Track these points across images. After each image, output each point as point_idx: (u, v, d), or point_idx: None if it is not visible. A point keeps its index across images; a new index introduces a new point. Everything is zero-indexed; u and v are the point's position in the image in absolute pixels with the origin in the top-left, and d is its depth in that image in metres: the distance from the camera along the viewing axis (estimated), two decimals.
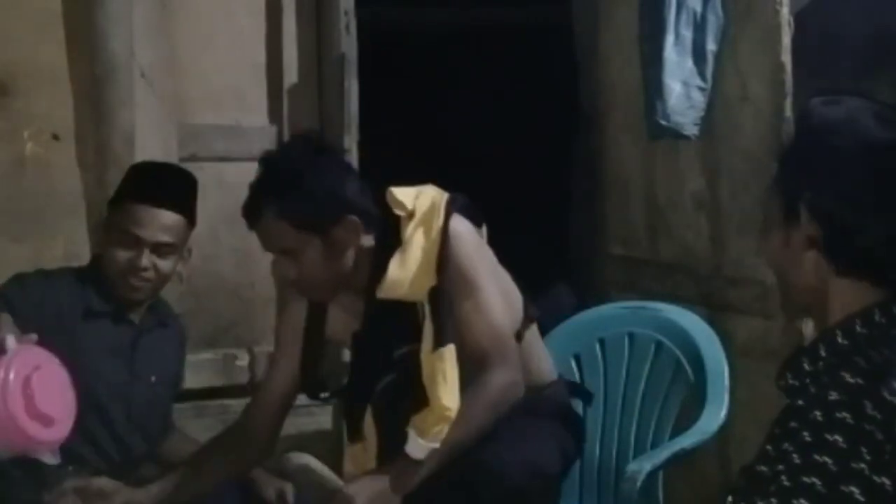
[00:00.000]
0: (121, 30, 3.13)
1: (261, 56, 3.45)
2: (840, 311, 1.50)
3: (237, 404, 3.38)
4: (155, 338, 2.64)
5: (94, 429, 2.52)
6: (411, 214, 2.31)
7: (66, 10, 3.13)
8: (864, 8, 3.89)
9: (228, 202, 3.41)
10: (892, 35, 3.81)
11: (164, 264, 2.53)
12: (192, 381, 3.32)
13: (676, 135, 3.41)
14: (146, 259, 2.50)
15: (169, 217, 2.54)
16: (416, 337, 2.24)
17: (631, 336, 2.89)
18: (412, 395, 2.20)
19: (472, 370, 2.23)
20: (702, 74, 3.38)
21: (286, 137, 3.44)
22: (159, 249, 2.51)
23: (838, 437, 1.37)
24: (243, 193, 3.42)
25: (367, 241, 2.32)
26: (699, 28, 3.37)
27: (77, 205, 3.11)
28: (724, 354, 3.05)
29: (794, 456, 1.40)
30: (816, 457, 1.38)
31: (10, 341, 2.02)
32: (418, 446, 2.18)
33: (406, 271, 2.26)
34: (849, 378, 1.41)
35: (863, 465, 1.36)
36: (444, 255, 2.26)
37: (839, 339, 1.48)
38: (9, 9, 3.08)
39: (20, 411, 1.96)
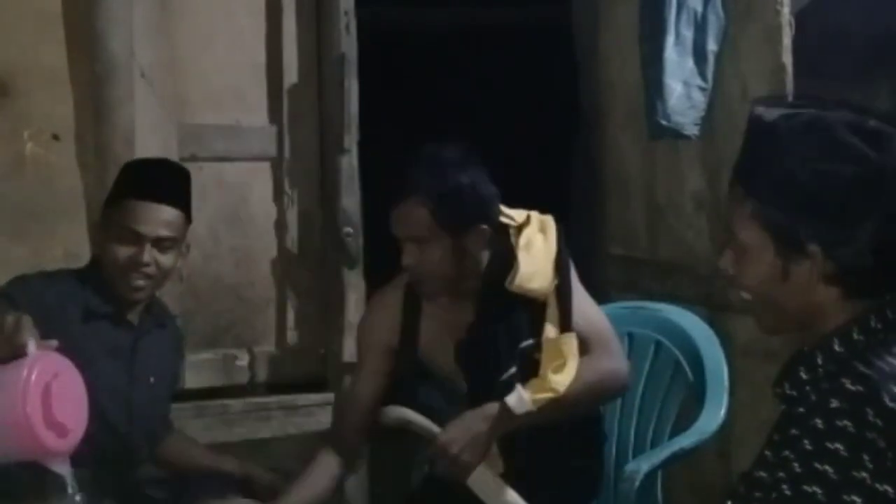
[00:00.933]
0: (121, 30, 3.13)
1: (261, 56, 3.45)
2: (831, 325, 1.50)
3: (237, 404, 3.40)
4: (153, 339, 2.64)
5: (95, 430, 2.52)
6: (521, 226, 2.50)
7: (66, 10, 3.13)
8: (864, 8, 3.89)
9: (228, 202, 3.42)
10: (892, 35, 3.81)
11: (165, 259, 2.53)
12: (192, 381, 3.33)
13: (677, 135, 3.41)
14: (148, 254, 2.49)
15: (168, 212, 2.53)
16: (537, 332, 2.41)
17: (630, 336, 2.89)
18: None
19: (588, 353, 2.43)
20: (702, 74, 3.38)
21: (286, 137, 3.45)
22: (160, 244, 2.51)
23: (839, 446, 1.37)
24: (243, 193, 3.46)
25: (486, 252, 2.47)
26: (699, 28, 3.37)
27: (77, 205, 3.11)
28: (723, 354, 3.05)
29: (795, 464, 1.40)
30: (817, 465, 1.38)
31: (31, 346, 2.01)
32: (521, 401, 2.33)
33: (536, 266, 2.43)
34: (849, 385, 1.40)
35: (864, 474, 1.35)
36: (561, 258, 2.47)
37: (836, 347, 1.48)
38: (9, 9, 3.08)
39: (38, 418, 1.94)
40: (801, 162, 1.48)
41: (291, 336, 3.49)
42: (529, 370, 2.37)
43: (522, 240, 2.47)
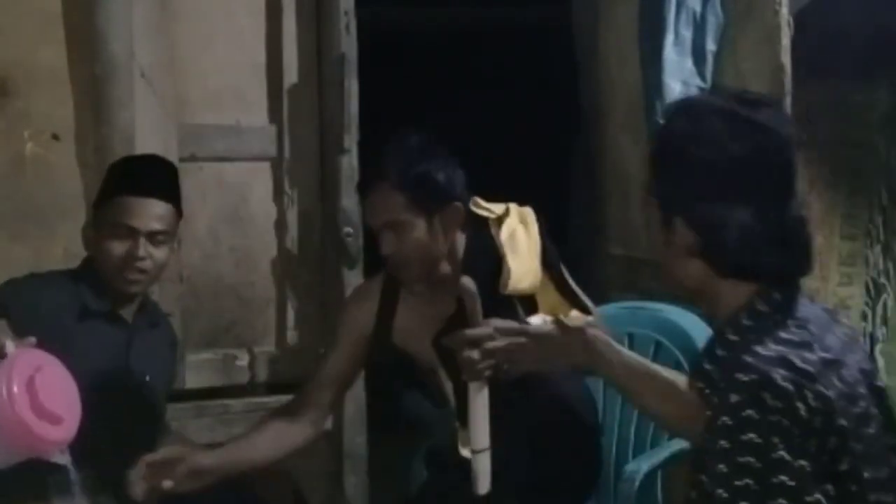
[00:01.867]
0: (121, 30, 3.13)
1: (261, 56, 3.45)
2: (726, 305, 1.62)
3: (237, 404, 3.40)
4: (147, 337, 2.65)
5: (93, 427, 2.52)
6: (500, 218, 2.50)
7: (66, 10, 3.13)
8: (864, 8, 3.88)
9: (228, 202, 3.42)
10: (892, 35, 3.81)
11: (159, 253, 2.55)
12: (192, 381, 3.33)
13: None
14: (143, 248, 2.52)
15: (160, 206, 2.56)
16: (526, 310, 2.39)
17: (630, 336, 2.89)
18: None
19: None
20: (701, 74, 3.38)
21: (286, 137, 3.45)
22: (153, 238, 2.54)
23: (752, 435, 1.44)
24: (243, 193, 3.45)
25: (460, 236, 2.50)
26: (699, 28, 3.37)
27: (77, 205, 3.11)
28: None
29: (721, 465, 1.46)
30: (740, 459, 1.44)
31: (10, 346, 2.02)
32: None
33: (525, 265, 2.44)
34: (742, 377, 1.48)
35: (782, 453, 1.43)
36: (547, 250, 2.49)
37: (730, 336, 1.58)
38: (9, 9, 3.08)
39: (27, 412, 1.95)
40: (669, 142, 1.70)
41: (291, 336, 3.49)
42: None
43: (504, 232, 2.47)
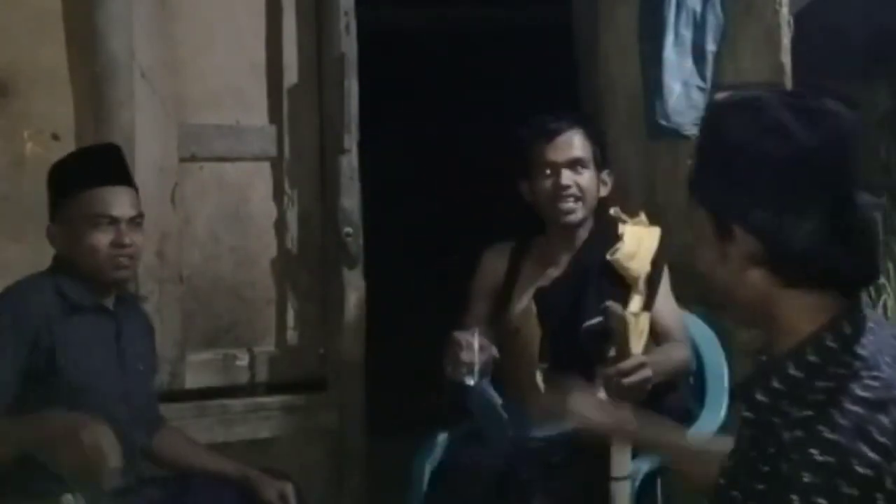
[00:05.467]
0: (121, 30, 3.13)
1: (261, 56, 3.44)
2: (789, 324, 1.46)
3: (237, 404, 3.39)
4: (132, 325, 2.67)
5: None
6: (630, 222, 2.98)
7: (66, 10, 3.13)
8: (864, 8, 3.89)
9: (228, 202, 3.42)
10: (891, 35, 3.81)
11: (139, 238, 2.61)
12: (192, 381, 3.33)
13: (676, 135, 3.40)
14: (127, 236, 2.55)
15: (130, 192, 2.61)
16: (622, 303, 2.76)
17: None
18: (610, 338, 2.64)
19: (670, 340, 2.87)
20: (701, 74, 3.37)
21: (286, 137, 3.44)
22: (132, 223, 2.58)
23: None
24: (243, 193, 3.45)
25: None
26: (699, 28, 3.36)
27: None
28: (724, 354, 3.05)
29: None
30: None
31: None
32: None
33: (637, 248, 2.90)
34: (818, 457, 1.35)
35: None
36: (658, 259, 2.92)
37: (791, 371, 1.44)
38: (9, 9, 3.08)
39: None
40: (727, 140, 1.47)
41: (291, 336, 3.48)
42: (610, 327, 2.64)
43: (629, 226, 2.95)
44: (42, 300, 2.50)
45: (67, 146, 3.11)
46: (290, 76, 3.45)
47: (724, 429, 2.75)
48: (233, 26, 3.41)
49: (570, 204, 2.93)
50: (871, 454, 1.33)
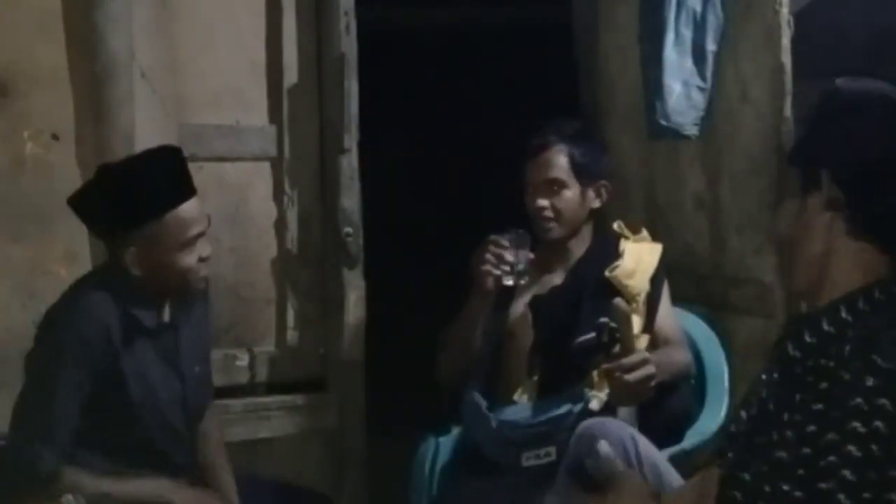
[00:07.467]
0: (121, 30, 3.13)
1: (261, 56, 3.44)
2: (844, 276, 1.57)
3: (237, 404, 3.39)
4: (189, 327, 2.60)
5: (165, 444, 2.53)
6: (631, 238, 2.99)
7: (66, 10, 3.13)
8: (864, 8, 3.89)
9: (228, 202, 3.42)
10: (892, 35, 3.81)
11: (209, 245, 2.54)
12: None
13: (676, 135, 3.40)
14: (208, 248, 2.50)
15: (197, 202, 2.51)
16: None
17: None
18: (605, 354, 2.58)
19: (669, 346, 2.86)
20: (702, 74, 3.37)
21: (286, 137, 3.45)
22: (205, 233, 2.51)
23: (879, 424, 1.43)
24: (243, 193, 3.45)
25: (589, 220, 2.97)
26: (699, 28, 3.36)
27: None
28: (724, 354, 3.06)
29: (851, 447, 1.44)
30: (871, 446, 1.42)
31: None
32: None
33: (636, 266, 2.89)
34: (881, 363, 1.45)
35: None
36: (658, 274, 2.92)
37: (843, 314, 1.54)
38: (9, 9, 3.08)
39: None
40: (832, 99, 1.64)
41: (291, 336, 3.48)
42: (604, 343, 2.57)
43: (630, 242, 2.96)
44: (108, 323, 2.40)
45: (67, 146, 3.11)
46: (290, 76, 3.45)
47: (723, 428, 2.75)
48: (233, 26, 3.41)
49: (544, 224, 2.91)
50: None
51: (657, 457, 2.36)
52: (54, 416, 2.36)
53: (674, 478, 2.29)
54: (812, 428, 1.47)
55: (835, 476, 1.43)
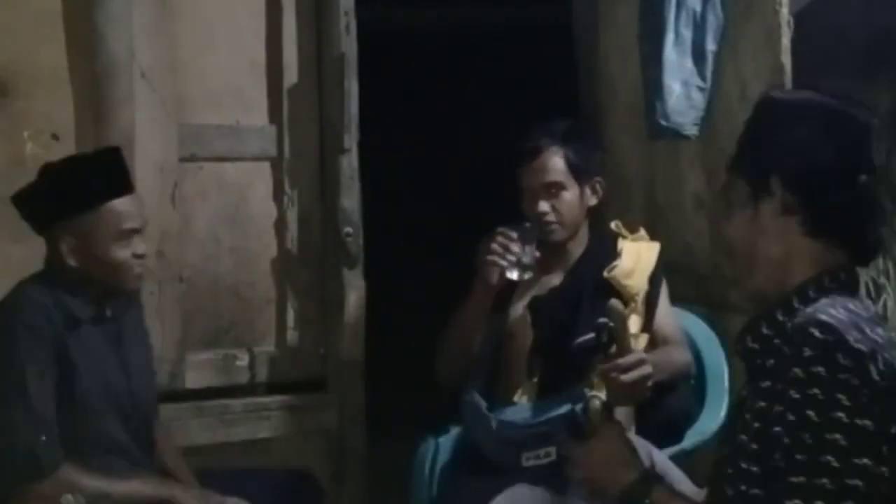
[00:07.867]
0: (121, 30, 3.13)
1: (261, 56, 3.44)
2: (801, 274, 1.65)
3: (237, 404, 3.39)
4: (129, 325, 2.65)
5: (120, 438, 2.54)
6: (630, 237, 2.99)
7: (66, 10, 3.13)
8: (864, 8, 3.89)
9: (228, 202, 3.42)
10: (892, 35, 3.81)
11: (146, 243, 2.61)
12: (192, 381, 3.32)
13: (676, 135, 3.41)
14: (142, 245, 2.55)
15: (138, 198, 2.59)
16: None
17: None
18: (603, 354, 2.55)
19: (668, 345, 2.86)
20: (701, 74, 3.37)
21: (286, 137, 3.45)
22: (140, 231, 2.57)
23: (816, 391, 1.51)
24: (243, 193, 3.45)
25: (586, 219, 2.96)
26: (699, 28, 3.36)
27: None
28: (724, 354, 3.06)
29: (789, 415, 1.52)
30: (806, 412, 1.50)
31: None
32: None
33: (634, 265, 2.89)
34: (817, 335, 1.54)
35: (841, 413, 1.49)
36: (656, 274, 2.92)
37: (796, 304, 1.63)
38: (9, 9, 3.08)
39: None
40: (768, 106, 1.72)
41: (291, 336, 3.48)
42: (604, 343, 2.54)
43: (629, 242, 2.95)
44: (49, 310, 2.45)
45: (67, 146, 3.11)
46: (290, 76, 3.45)
47: (723, 429, 2.75)
48: (233, 26, 3.41)
49: (546, 228, 2.89)
50: (863, 338, 1.54)
51: (676, 472, 2.40)
52: (31, 399, 2.37)
53: (686, 486, 2.32)
54: (762, 404, 1.57)
55: (780, 445, 1.51)
